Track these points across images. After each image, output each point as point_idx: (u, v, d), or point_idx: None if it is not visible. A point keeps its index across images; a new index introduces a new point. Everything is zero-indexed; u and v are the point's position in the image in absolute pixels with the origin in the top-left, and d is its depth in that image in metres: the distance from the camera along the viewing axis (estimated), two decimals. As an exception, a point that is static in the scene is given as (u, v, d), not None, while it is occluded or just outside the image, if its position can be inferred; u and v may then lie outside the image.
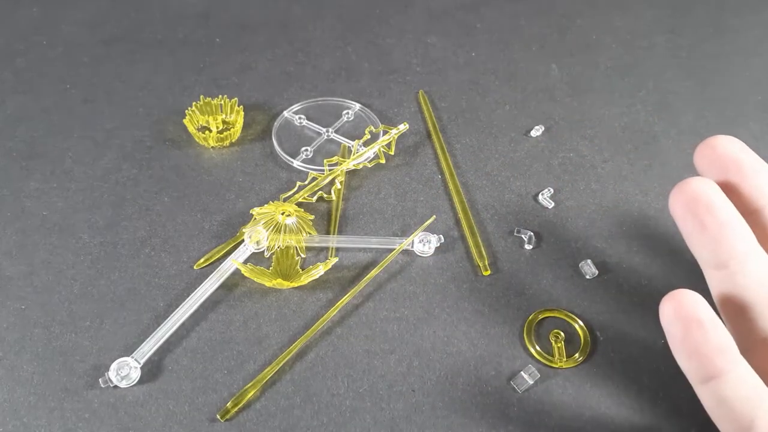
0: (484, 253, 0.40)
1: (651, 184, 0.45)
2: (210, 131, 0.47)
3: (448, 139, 0.48)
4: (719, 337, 0.27)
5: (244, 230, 0.41)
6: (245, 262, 0.40)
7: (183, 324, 0.37)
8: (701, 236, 0.29)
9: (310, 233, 0.41)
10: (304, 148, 0.47)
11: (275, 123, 0.49)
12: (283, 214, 0.40)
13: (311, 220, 0.41)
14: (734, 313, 0.29)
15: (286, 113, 0.49)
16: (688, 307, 0.27)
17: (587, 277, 0.40)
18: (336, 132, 0.48)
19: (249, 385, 0.34)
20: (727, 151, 0.29)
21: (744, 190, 0.29)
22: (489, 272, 0.40)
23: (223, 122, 0.49)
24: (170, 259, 0.40)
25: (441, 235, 0.41)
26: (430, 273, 0.40)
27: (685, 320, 0.27)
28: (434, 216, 0.42)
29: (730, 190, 0.29)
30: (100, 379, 0.35)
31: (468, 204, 0.43)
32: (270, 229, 0.40)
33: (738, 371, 0.27)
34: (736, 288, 0.29)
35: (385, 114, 0.50)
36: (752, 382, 0.27)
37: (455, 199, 0.44)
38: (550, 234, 0.42)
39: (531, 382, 0.34)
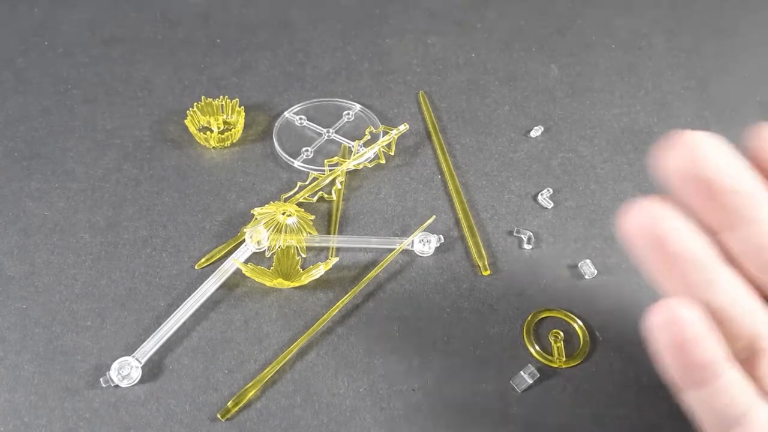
0: (483, 253, 0.40)
1: (650, 184, 0.45)
2: (211, 132, 0.47)
3: (448, 140, 0.48)
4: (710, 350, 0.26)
5: (245, 230, 0.41)
6: (246, 261, 0.40)
7: (184, 323, 0.37)
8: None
9: (310, 233, 0.41)
10: (304, 149, 0.47)
11: (276, 123, 0.49)
12: (283, 214, 0.40)
13: (312, 220, 0.42)
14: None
15: (286, 114, 0.49)
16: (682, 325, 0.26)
17: (586, 277, 0.40)
18: (336, 132, 0.48)
19: (249, 384, 0.35)
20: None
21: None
22: (488, 272, 0.40)
23: (224, 123, 0.49)
24: (171, 258, 0.40)
25: (441, 235, 0.41)
26: (430, 273, 0.40)
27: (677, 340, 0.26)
28: (434, 216, 0.42)
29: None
30: (101, 379, 0.35)
31: (468, 204, 0.43)
32: (271, 229, 0.40)
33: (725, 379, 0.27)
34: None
35: (385, 114, 0.50)
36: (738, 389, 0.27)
37: (455, 199, 0.44)
38: (549, 234, 0.42)
39: (530, 381, 0.35)
